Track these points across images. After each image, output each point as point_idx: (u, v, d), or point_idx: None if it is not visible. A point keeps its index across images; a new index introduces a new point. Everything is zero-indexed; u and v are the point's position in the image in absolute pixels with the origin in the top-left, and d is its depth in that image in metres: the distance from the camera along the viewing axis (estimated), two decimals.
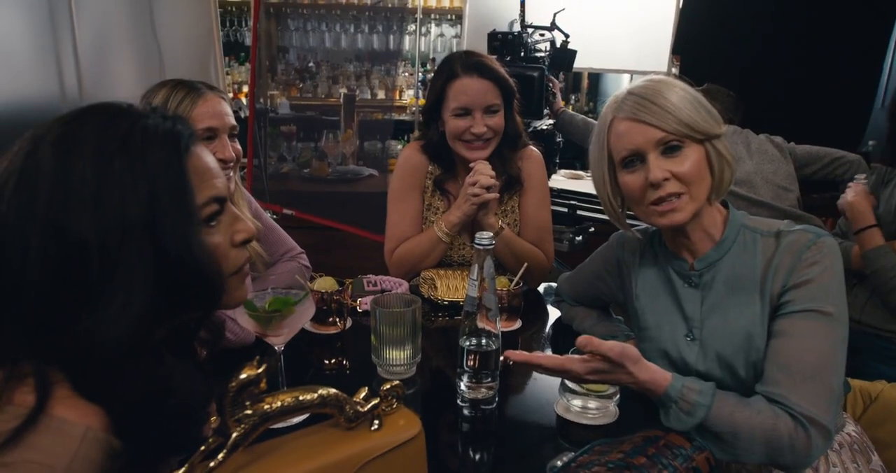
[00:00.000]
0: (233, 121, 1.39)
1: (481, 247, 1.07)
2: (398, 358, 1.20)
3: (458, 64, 1.58)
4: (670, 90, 1.07)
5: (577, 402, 1.08)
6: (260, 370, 0.71)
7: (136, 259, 0.63)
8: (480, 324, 1.11)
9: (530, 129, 2.29)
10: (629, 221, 1.21)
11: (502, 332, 1.41)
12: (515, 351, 1.03)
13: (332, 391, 0.78)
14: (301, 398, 0.75)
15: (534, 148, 1.75)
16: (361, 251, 2.87)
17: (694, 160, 1.06)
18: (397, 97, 3.77)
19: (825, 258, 1.04)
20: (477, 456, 1.04)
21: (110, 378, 0.64)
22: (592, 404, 1.09)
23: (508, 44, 2.21)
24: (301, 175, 3.33)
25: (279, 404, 0.73)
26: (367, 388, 0.82)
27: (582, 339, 0.99)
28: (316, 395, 0.76)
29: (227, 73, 4.52)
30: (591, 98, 4.43)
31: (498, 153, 1.65)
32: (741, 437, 0.96)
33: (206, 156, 0.73)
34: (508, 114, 1.63)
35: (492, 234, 1.07)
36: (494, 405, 1.15)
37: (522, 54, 2.31)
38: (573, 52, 2.36)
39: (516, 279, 1.45)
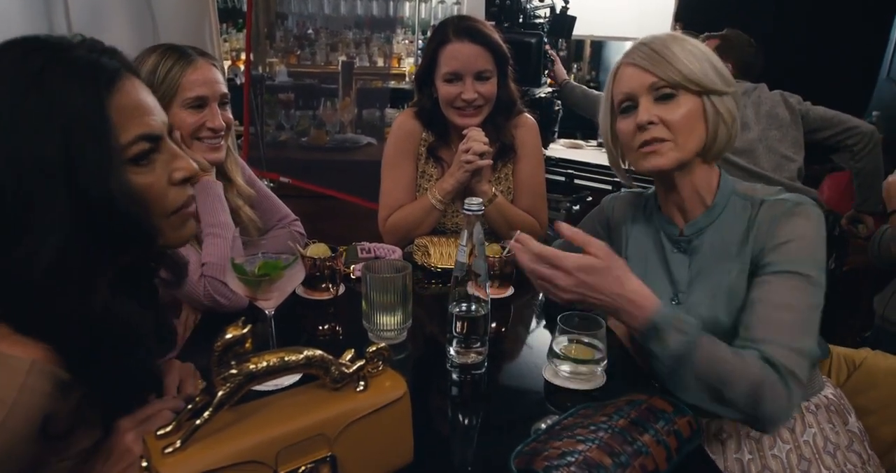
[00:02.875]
0: (224, 89, 1.37)
1: (470, 213, 1.07)
2: (389, 323, 1.21)
3: (451, 29, 1.56)
4: (677, 42, 1.09)
5: (565, 367, 1.10)
6: (245, 330, 0.72)
7: (51, 197, 0.63)
8: (470, 290, 1.11)
9: (527, 98, 2.27)
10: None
11: (494, 299, 1.43)
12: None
13: (318, 352, 0.79)
14: (286, 358, 0.76)
15: (528, 115, 1.74)
16: (358, 219, 2.88)
17: (686, 110, 1.07)
18: (396, 65, 3.72)
19: (804, 221, 1.05)
20: (465, 420, 1.06)
21: (41, 312, 0.64)
22: (582, 368, 1.10)
23: (506, 10, 2.18)
24: (299, 143, 3.31)
25: (264, 364, 0.74)
26: (353, 350, 0.83)
27: (566, 229, 1.02)
28: (301, 356, 0.77)
29: (226, 41, 4.46)
30: (594, 66, 4.36)
31: (492, 120, 1.64)
32: (727, 382, 0.94)
33: (137, 93, 0.70)
34: (502, 81, 1.61)
35: (481, 200, 1.07)
36: (483, 370, 1.16)
37: (521, 20, 2.27)
38: (572, 19, 2.32)
39: (510, 245, 1.45)
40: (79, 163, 0.63)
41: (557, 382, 1.10)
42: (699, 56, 1.09)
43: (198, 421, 0.70)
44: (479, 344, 1.15)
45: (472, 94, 1.56)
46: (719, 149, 1.11)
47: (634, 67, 1.09)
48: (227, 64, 4.32)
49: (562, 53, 4.52)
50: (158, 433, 0.71)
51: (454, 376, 1.15)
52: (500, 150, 1.67)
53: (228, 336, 0.71)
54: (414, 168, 1.71)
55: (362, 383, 0.81)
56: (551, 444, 0.87)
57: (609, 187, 2.43)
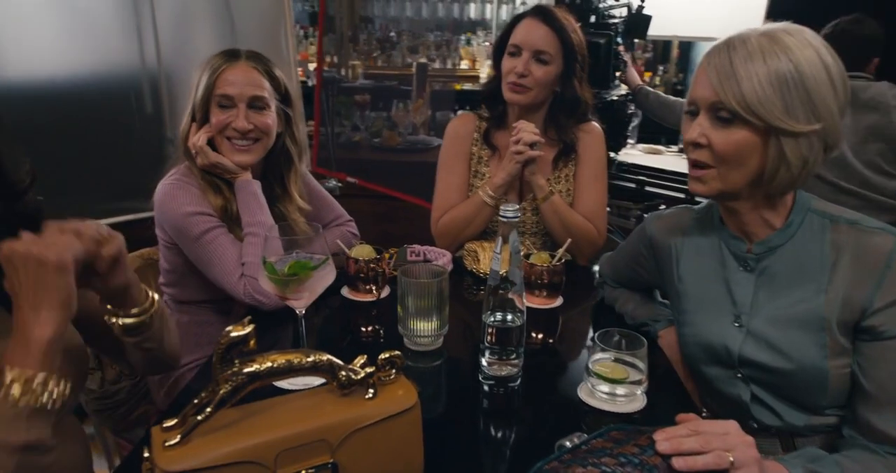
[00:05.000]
0: (259, 93, 1.38)
1: (506, 220, 1.02)
2: (424, 329, 1.19)
3: (533, 8, 1.59)
4: (759, 57, 0.91)
5: (601, 387, 1.03)
6: (248, 330, 0.72)
7: None
8: (504, 299, 1.07)
9: (598, 100, 2.19)
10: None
11: (541, 309, 1.38)
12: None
13: (326, 357, 0.78)
14: (292, 361, 0.75)
15: (596, 124, 1.69)
16: (424, 221, 2.88)
17: (738, 142, 0.95)
18: (473, 67, 3.70)
19: None
20: (489, 434, 1.02)
21: None
22: (619, 390, 1.03)
23: (576, 9, 2.10)
24: (371, 144, 3.36)
25: (269, 364, 0.74)
26: (365, 356, 0.81)
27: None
28: (307, 359, 0.76)
29: (312, 44, 4.62)
30: (682, 68, 4.16)
31: (553, 118, 1.63)
32: None
33: None
34: (566, 77, 1.58)
35: (517, 206, 1.02)
36: (518, 383, 1.11)
37: (593, 20, 2.18)
38: (647, 18, 2.21)
39: (558, 255, 1.40)
40: None
41: (592, 403, 1.03)
42: (780, 81, 0.90)
43: (199, 417, 0.71)
44: (513, 357, 1.10)
45: (523, 69, 1.54)
46: (780, 189, 0.99)
47: (705, 75, 0.96)
48: (312, 66, 4.47)
49: (647, 55, 4.36)
50: (164, 425, 0.72)
51: (485, 387, 1.11)
52: (562, 150, 1.64)
53: (232, 334, 0.71)
54: (467, 169, 1.69)
55: (371, 390, 0.79)
56: (574, 469, 0.82)
57: (682, 195, 2.30)
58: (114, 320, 0.91)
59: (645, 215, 2.42)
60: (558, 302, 1.41)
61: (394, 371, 0.82)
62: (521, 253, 1.45)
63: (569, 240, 1.45)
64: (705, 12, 2.80)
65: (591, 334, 1.37)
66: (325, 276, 1.03)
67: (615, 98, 2.28)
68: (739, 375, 1.06)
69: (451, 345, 1.24)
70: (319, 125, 3.23)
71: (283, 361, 0.74)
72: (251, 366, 0.73)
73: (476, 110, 1.75)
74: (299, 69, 3.33)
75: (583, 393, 1.05)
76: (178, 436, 0.70)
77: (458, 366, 1.22)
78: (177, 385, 1.48)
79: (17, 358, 0.73)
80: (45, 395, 0.73)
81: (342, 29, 3.96)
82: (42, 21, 2.16)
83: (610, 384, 1.02)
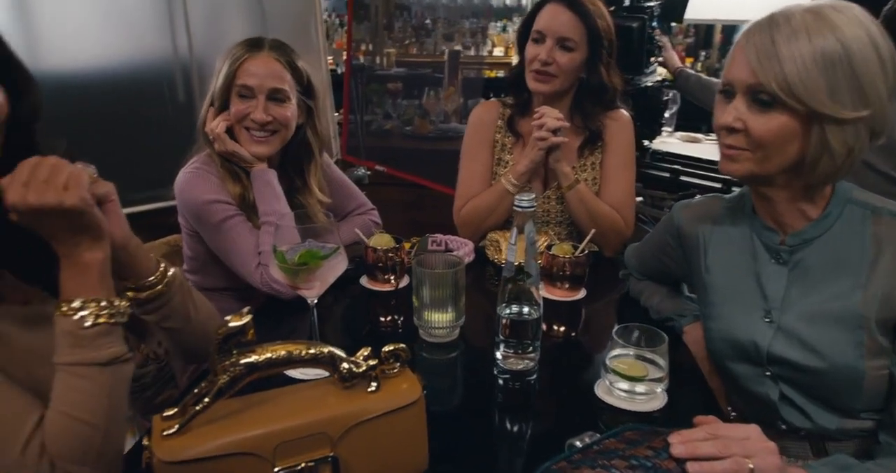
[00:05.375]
0: (279, 85, 1.36)
1: (521, 209, 0.99)
2: (439, 320, 1.17)
3: None
4: (804, 35, 0.85)
5: (620, 385, 0.99)
6: (246, 320, 0.71)
7: None
8: (520, 291, 1.04)
9: (631, 86, 2.12)
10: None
11: (563, 301, 1.35)
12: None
13: (328, 349, 0.76)
14: (292, 352, 0.74)
15: (625, 112, 1.63)
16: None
17: (778, 127, 0.88)
18: (510, 54, 3.65)
19: None
20: (499, 429, 0.99)
21: None
22: (638, 388, 0.99)
23: None
24: (403, 132, 3.34)
25: (268, 356, 0.72)
26: (369, 348, 0.79)
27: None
28: (308, 351, 0.75)
29: (347, 32, 4.62)
30: (725, 53, 4.00)
31: (579, 105, 1.58)
32: None
33: None
34: (592, 63, 1.53)
35: (533, 196, 0.99)
36: (534, 377, 1.08)
37: (628, 3, 2.11)
38: (684, 1, 2.12)
39: (581, 246, 1.36)
40: None
41: (610, 400, 0.99)
42: (825, 62, 0.84)
43: (197, 408, 0.70)
44: (528, 350, 1.07)
45: (547, 57, 1.50)
46: (819, 179, 0.93)
47: (743, 56, 0.90)
48: (346, 53, 4.47)
49: (688, 40, 4.22)
50: (164, 414, 0.71)
51: (500, 381, 1.08)
52: (588, 138, 1.59)
53: (230, 324, 0.70)
54: (490, 157, 1.66)
55: (374, 384, 0.77)
56: (582, 471, 0.78)
57: (718, 185, 2.21)
58: (128, 294, 0.91)
59: None
60: (581, 294, 1.37)
61: (398, 364, 0.80)
62: (545, 244, 1.43)
63: (593, 231, 1.41)
64: None
65: (615, 328, 1.33)
66: (336, 266, 1.01)
67: (649, 84, 2.20)
68: (768, 373, 1.01)
69: (468, 337, 1.22)
70: (349, 113, 3.23)
71: (283, 352, 0.73)
72: (250, 357, 0.71)
73: (500, 97, 1.70)
74: (330, 58, 3.33)
75: (600, 390, 1.02)
76: (176, 426, 0.69)
77: (474, 359, 1.19)
78: (199, 370, 1.50)
79: (76, 287, 0.78)
80: (113, 312, 0.79)
81: (377, 17, 3.94)
82: (78, 13, 2.20)
83: (628, 381, 0.98)
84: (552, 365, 1.14)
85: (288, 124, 1.40)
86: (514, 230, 1.01)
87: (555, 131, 1.48)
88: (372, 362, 0.77)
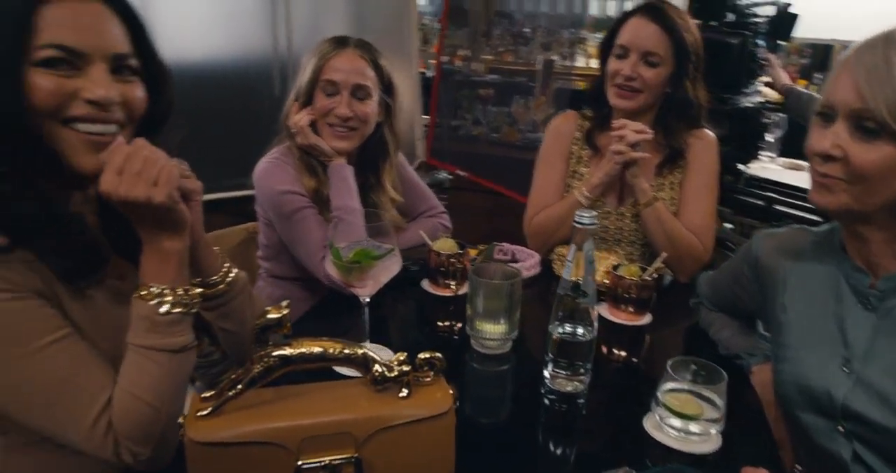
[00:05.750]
0: (362, 82, 1.39)
1: (581, 226, 0.95)
2: (491, 331, 1.15)
3: (642, 6, 1.47)
4: None
5: (671, 421, 0.93)
6: (283, 313, 0.72)
7: None
8: (574, 310, 1.00)
9: (729, 106, 2.00)
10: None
11: (627, 325, 1.29)
12: None
13: (362, 350, 0.76)
14: (326, 350, 0.74)
15: (709, 131, 1.55)
16: None
17: (883, 160, 0.80)
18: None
19: None
20: (538, 450, 0.95)
21: None
22: (692, 427, 0.93)
23: (710, 5, 1.92)
24: (489, 139, 3.33)
25: (302, 351, 0.73)
26: (405, 354, 0.78)
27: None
28: (343, 351, 0.75)
29: (446, 36, 4.68)
30: None
31: (662, 119, 1.51)
32: None
33: (81, 13, 0.77)
34: (678, 78, 1.46)
35: (595, 213, 0.95)
36: (582, 401, 1.04)
37: (734, 18, 2.00)
38: (792, 17, 1.97)
39: (650, 269, 1.29)
40: None
41: (658, 436, 0.93)
42: None
43: (230, 393, 0.72)
44: (579, 372, 1.03)
45: (631, 72, 1.44)
46: None
47: (850, 77, 0.82)
48: (444, 59, 4.52)
49: (803, 60, 3.95)
50: (202, 396, 0.74)
51: (546, 401, 1.05)
52: (668, 156, 1.52)
53: (267, 316, 0.71)
54: (565, 169, 1.62)
55: (406, 390, 0.76)
56: None
57: (816, 218, 2.05)
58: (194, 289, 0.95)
59: None
60: (646, 319, 1.31)
61: (432, 373, 0.79)
62: (612, 264, 1.37)
63: (664, 254, 1.34)
64: (873, 12, 2.46)
65: (670, 361, 1.25)
66: (389, 267, 1.02)
67: (749, 105, 2.07)
68: (841, 429, 0.92)
69: (522, 352, 1.19)
70: (435, 117, 3.26)
71: (317, 349, 0.74)
72: (284, 350, 0.73)
73: (580, 109, 1.66)
74: (419, 60, 3.36)
75: (649, 424, 0.96)
76: (209, 408, 0.71)
77: (524, 375, 1.16)
78: None
79: (155, 273, 0.82)
80: (187, 302, 0.83)
81: (477, 23, 3.97)
82: (193, 8, 2.35)
83: (680, 418, 0.91)
84: (604, 391, 1.09)
85: (368, 120, 1.43)
86: (573, 246, 0.97)
87: (634, 145, 1.42)
88: (405, 368, 0.76)
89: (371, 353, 0.76)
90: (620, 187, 1.55)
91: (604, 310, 1.32)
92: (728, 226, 2.28)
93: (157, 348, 0.80)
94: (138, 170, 0.77)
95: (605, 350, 1.24)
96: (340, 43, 1.41)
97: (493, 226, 3.13)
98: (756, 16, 2.06)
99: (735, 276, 1.15)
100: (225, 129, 2.38)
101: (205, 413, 0.71)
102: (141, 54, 0.85)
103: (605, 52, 1.53)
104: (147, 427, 0.78)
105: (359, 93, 1.39)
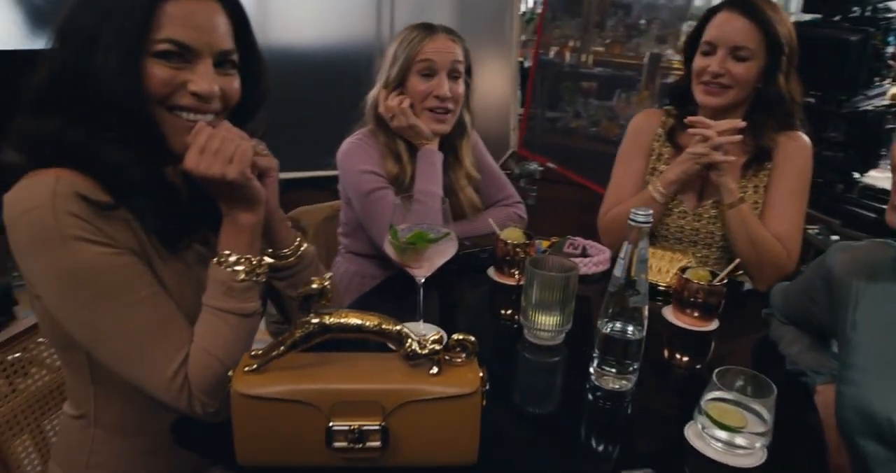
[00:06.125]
0: (457, 62, 1.44)
1: (634, 223, 0.94)
2: (545, 323, 1.15)
3: (727, 1, 1.41)
4: None
5: (712, 432, 0.90)
6: (325, 284, 0.77)
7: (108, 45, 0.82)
8: (624, 308, 0.99)
9: (846, 109, 1.85)
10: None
11: (691, 331, 1.24)
12: None
13: (398, 326, 0.80)
14: (363, 323, 0.79)
15: (803, 134, 1.45)
16: None
17: None
18: None
19: None
20: (573, 444, 0.96)
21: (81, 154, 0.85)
22: (738, 440, 0.89)
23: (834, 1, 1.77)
24: (587, 132, 3.27)
25: (340, 320, 0.78)
26: (440, 334, 0.82)
27: None
28: (379, 325, 0.79)
29: (557, 27, 4.61)
30: None
31: (749, 115, 1.43)
32: None
33: (194, 11, 0.85)
34: (771, 73, 1.38)
35: (650, 211, 0.93)
36: (627, 401, 1.03)
37: (857, 13, 1.83)
38: None
39: (722, 274, 1.24)
40: (109, 29, 0.82)
41: (697, 445, 0.91)
42: None
43: (273, 353, 0.78)
44: (626, 371, 1.02)
45: (718, 68, 1.38)
46: None
47: None
48: (554, 49, 4.46)
49: None
50: (251, 353, 0.81)
51: (589, 396, 1.04)
52: (755, 156, 1.44)
53: (311, 285, 0.77)
54: (644, 165, 1.58)
55: (436, 368, 0.80)
56: None
57: None
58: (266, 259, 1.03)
59: None
60: (712, 325, 1.25)
61: (464, 354, 0.81)
62: (680, 265, 1.33)
63: (737, 260, 1.27)
64: None
65: (717, 369, 1.20)
66: (444, 251, 1.05)
67: (870, 108, 1.90)
68: None
69: (575, 346, 1.19)
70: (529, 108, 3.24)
71: (355, 321, 0.79)
72: (324, 318, 0.78)
73: (664, 106, 1.60)
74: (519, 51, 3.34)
75: (690, 432, 0.93)
76: (255, 365, 0.78)
77: (573, 369, 1.15)
78: None
79: (231, 243, 0.90)
80: (259, 272, 0.91)
81: (590, 13, 3.88)
82: None
83: (720, 429, 0.88)
84: (653, 393, 1.07)
85: (461, 101, 1.50)
86: (626, 244, 0.96)
87: (717, 147, 1.36)
88: (436, 347, 0.79)
89: (406, 330, 0.80)
90: (701, 186, 1.48)
91: (668, 312, 1.29)
92: (834, 237, 2.12)
93: (233, 312, 0.88)
94: (216, 148, 0.85)
95: (666, 353, 1.21)
96: (429, 28, 1.46)
97: (582, 220, 3.07)
98: (890, 10, 1.87)
99: (807, 288, 1.08)
100: (324, 112, 2.51)
101: (251, 368, 0.78)
102: (242, 48, 0.93)
103: (690, 50, 1.47)
104: (217, 382, 0.86)
105: (454, 73, 1.44)
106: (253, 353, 0.81)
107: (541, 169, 2.86)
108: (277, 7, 2.44)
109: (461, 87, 1.48)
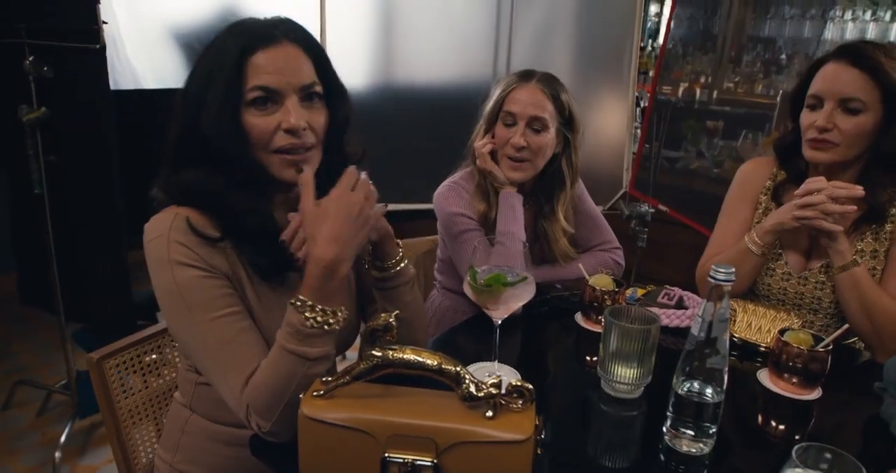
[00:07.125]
0: (539, 114, 1.46)
1: (714, 282, 0.90)
2: (622, 375, 1.12)
3: (837, 50, 1.31)
4: None
5: None
6: (391, 320, 0.82)
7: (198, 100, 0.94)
8: (700, 369, 0.95)
9: None
10: None
11: (790, 398, 1.16)
12: None
13: (458, 368, 0.83)
14: (424, 361, 0.83)
15: None
16: None
17: None
18: None
19: None
20: None
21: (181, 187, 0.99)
22: None
23: None
24: (709, 174, 3.12)
25: (401, 356, 0.83)
26: (500, 378, 0.83)
27: None
28: (440, 365, 0.82)
29: (688, 63, 4.46)
30: None
31: (865, 172, 1.32)
32: None
33: (276, 57, 0.95)
34: (886, 124, 1.25)
35: (732, 269, 0.89)
36: (702, 468, 0.97)
37: None
38: None
39: (828, 340, 1.14)
40: (213, 87, 0.94)
41: None
42: None
43: (340, 381, 0.84)
44: (703, 434, 0.97)
45: (826, 123, 1.28)
46: None
47: None
48: (683, 86, 4.32)
49: None
50: (323, 379, 0.87)
51: (661, 457, 1.00)
52: (867, 214, 1.32)
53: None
54: (750, 218, 1.49)
55: (491, 411, 0.81)
56: None
57: None
58: (373, 273, 1.11)
59: None
60: (814, 394, 1.16)
61: (521, 401, 0.82)
62: (781, 326, 1.24)
63: (845, 326, 1.17)
64: None
65: (797, 446, 1.09)
66: (521, 295, 1.06)
67: None
68: None
69: (654, 401, 1.14)
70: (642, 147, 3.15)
71: (415, 358, 0.82)
72: (387, 353, 0.82)
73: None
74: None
75: None
76: (322, 390, 0.84)
77: (649, 426, 1.11)
78: None
79: (313, 288, 0.91)
80: (332, 322, 0.91)
81: (726, 49, 3.75)
82: (428, 35, 2.63)
83: None
84: (735, 460, 1.00)
85: (541, 152, 1.49)
86: (706, 303, 0.92)
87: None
88: (493, 391, 0.81)
89: (465, 372, 0.82)
90: (809, 245, 1.38)
91: (763, 375, 1.20)
92: None
93: (294, 353, 0.89)
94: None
95: (758, 418, 1.13)
96: (525, 76, 1.49)
97: (694, 265, 2.92)
98: None
99: None
100: (437, 147, 2.62)
101: (319, 393, 0.84)
102: (323, 78, 1.02)
103: (796, 104, 1.38)
104: (267, 410, 0.90)
105: (535, 124, 1.46)
106: (324, 379, 0.87)
107: (652, 210, 2.77)
108: (400, 47, 2.60)
109: (544, 139, 1.48)
